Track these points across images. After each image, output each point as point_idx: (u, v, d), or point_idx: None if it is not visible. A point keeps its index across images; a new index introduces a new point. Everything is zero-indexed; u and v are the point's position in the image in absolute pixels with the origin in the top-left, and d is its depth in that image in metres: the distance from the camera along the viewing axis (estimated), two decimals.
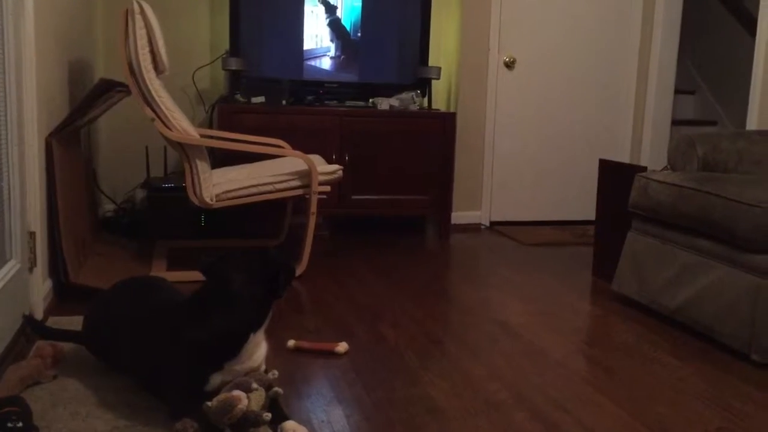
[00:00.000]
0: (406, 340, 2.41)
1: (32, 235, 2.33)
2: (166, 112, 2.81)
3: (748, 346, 2.30)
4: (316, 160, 3.24)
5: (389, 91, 4.13)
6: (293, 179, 3.06)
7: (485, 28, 4.39)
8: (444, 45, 4.48)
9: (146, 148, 3.89)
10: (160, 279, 2.10)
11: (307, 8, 4.03)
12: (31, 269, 2.33)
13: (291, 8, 4.01)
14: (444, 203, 4.10)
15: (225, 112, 3.71)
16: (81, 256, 2.83)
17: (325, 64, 4.12)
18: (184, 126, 2.86)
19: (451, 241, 4.08)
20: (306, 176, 3.07)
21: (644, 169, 2.98)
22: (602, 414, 1.90)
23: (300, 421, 1.71)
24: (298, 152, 3.12)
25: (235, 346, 1.71)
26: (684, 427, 1.84)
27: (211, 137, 3.33)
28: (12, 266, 2.14)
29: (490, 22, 4.39)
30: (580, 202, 4.68)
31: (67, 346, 2.05)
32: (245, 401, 1.62)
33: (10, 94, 2.13)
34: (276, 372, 1.79)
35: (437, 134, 4.01)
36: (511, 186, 4.62)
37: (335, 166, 3.21)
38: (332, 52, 4.12)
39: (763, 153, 2.93)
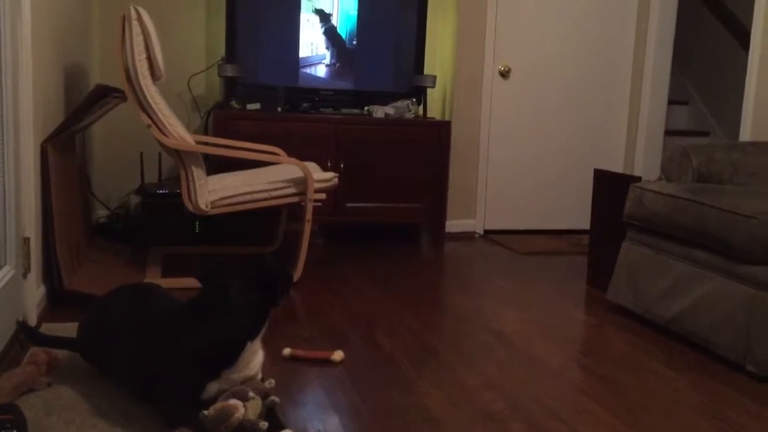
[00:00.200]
0: (401, 348, 2.41)
1: (27, 240, 2.32)
2: (162, 118, 2.81)
3: (744, 358, 2.31)
4: (312, 167, 3.24)
5: (385, 99, 4.14)
6: (289, 186, 3.06)
7: (480, 37, 4.41)
8: (439, 53, 4.50)
9: (141, 154, 3.88)
10: (156, 286, 2.09)
11: (303, 16, 4.04)
12: (25, 275, 2.32)
13: (287, 16, 4.02)
14: (438, 211, 4.10)
15: (220, 119, 3.71)
16: (75, 262, 2.82)
17: (321, 71, 4.12)
18: (180, 132, 2.85)
19: (445, 250, 4.08)
20: (301, 183, 3.06)
21: (639, 179, 2.99)
22: (598, 424, 1.90)
23: (296, 430, 1.70)
24: (293, 159, 3.12)
25: (232, 354, 1.70)
26: None
27: (207, 144, 3.33)
28: (6, 272, 2.13)
29: (485, 31, 4.41)
30: (575, 212, 4.70)
31: (61, 353, 2.03)
32: (242, 410, 1.61)
33: (7, 98, 2.12)
34: (273, 381, 1.79)
35: (432, 142, 4.02)
36: (506, 194, 4.63)
37: (331, 174, 3.20)
38: (327, 60, 4.12)
39: (757, 164, 2.95)
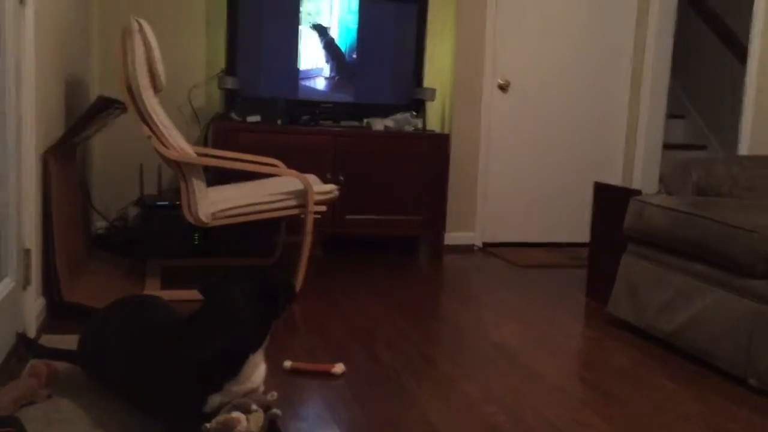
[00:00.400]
0: (402, 361, 2.40)
1: (27, 252, 2.31)
2: (163, 130, 2.81)
3: (745, 371, 2.30)
4: (312, 179, 3.24)
5: (384, 111, 4.15)
6: (289, 198, 3.06)
7: (480, 50, 4.43)
8: (439, 67, 4.51)
9: (140, 165, 3.87)
10: (157, 298, 2.08)
11: (303, 29, 4.05)
12: (25, 287, 2.31)
13: (287, 29, 4.03)
14: (437, 224, 4.11)
15: (220, 131, 3.71)
16: (74, 274, 2.81)
17: (320, 84, 4.14)
18: (180, 144, 2.85)
19: (444, 262, 4.08)
20: (301, 195, 3.06)
21: (639, 192, 3.00)
22: None
23: None
24: (293, 171, 3.12)
25: (234, 366, 1.69)
26: None
27: (207, 156, 3.33)
28: (6, 284, 2.12)
29: (484, 45, 4.43)
30: (573, 225, 4.71)
31: (61, 366, 2.02)
32: (244, 423, 1.60)
33: (10, 109, 2.12)
34: (275, 393, 1.78)
35: (431, 155, 4.03)
36: (504, 207, 4.63)
37: (331, 186, 3.21)
38: (327, 73, 4.14)
39: (756, 178, 2.96)
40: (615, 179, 4.78)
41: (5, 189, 2.12)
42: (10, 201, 2.16)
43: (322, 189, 3.14)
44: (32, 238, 2.34)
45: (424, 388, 2.17)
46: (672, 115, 5.55)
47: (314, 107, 4.08)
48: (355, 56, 4.15)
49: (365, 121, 4.14)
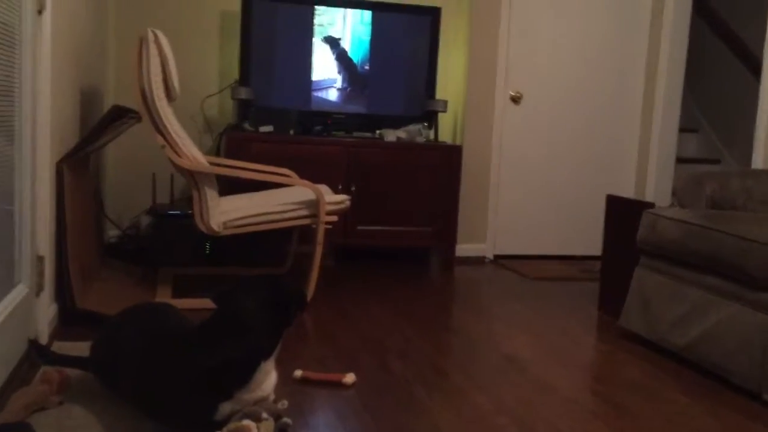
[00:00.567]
0: (412, 371, 2.39)
1: (41, 259, 2.32)
2: (177, 139, 2.83)
3: (759, 386, 2.28)
4: (323, 189, 3.25)
5: (396, 122, 4.16)
6: (301, 208, 3.07)
7: (492, 62, 4.44)
8: (451, 78, 4.52)
9: (153, 175, 3.90)
10: (169, 306, 2.08)
11: (316, 41, 4.08)
12: (38, 293, 2.32)
13: (300, 40, 4.06)
14: (449, 235, 4.10)
15: (233, 141, 3.73)
16: (87, 281, 2.82)
17: (333, 95, 4.15)
18: (193, 153, 2.87)
19: (455, 274, 4.07)
20: (313, 206, 3.07)
21: (652, 205, 2.99)
22: None
23: None
24: (305, 181, 3.13)
25: (245, 374, 1.69)
26: None
27: (220, 165, 3.34)
28: (20, 290, 2.13)
29: (497, 57, 4.44)
30: (585, 237, 4.69)
31: (73, 372, 2.03)
32: (255, 431, 1.60)
33: (25, 119, 2.14)
34: (285, 402, 1.78)
35: (443, 167, 4.03)
36: (516, 219, 4.62)
37: (343, 196, 3.21)
38: (339, 84, 4.15)
39: None
40: (627, 192, 4.76)
41: (20, 197, 2.14)
42: (25, 209, 2.17)
43: (333, 199, 3.15)
44: (46, 246, 2.36)
45: (435, 399, 2.16)
46: (685, 128, 5.53)
47: (326, 118, 4.10)
48: (367, 68, 4.17)
49: (377, 132, 4.15)
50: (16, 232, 2.11)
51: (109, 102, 3.84)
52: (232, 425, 1.62)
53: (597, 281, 3.45)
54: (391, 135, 4.05)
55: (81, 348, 2.12)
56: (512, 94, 4.52)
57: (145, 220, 3.94)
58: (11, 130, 2.04)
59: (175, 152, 2.82)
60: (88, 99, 3.25)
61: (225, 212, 2.97)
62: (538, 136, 4.62)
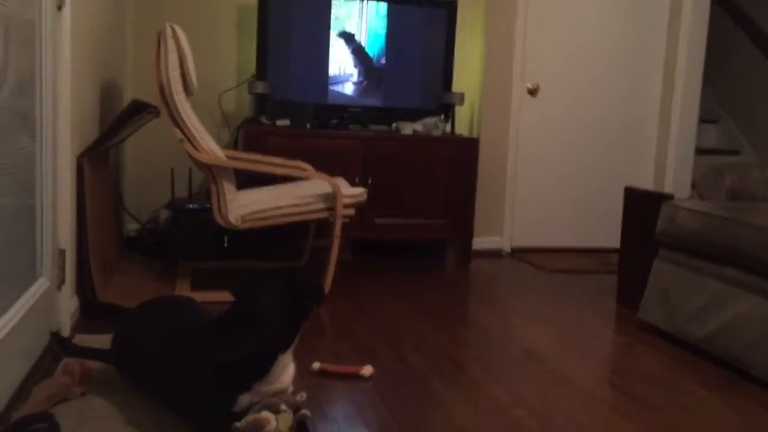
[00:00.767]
0: (429, 364, 2.40)
1: (62, 252, 2.35)
2: (195, 133, 2.84)
3: None
4: (340, 183, 3.26)
5: (413, 115, 4.16)
6: (318, 202, 3.08)
7: (509, 55, 4.42)
8: (467, 71, 4.51)
9: (172, 169, 3.92)
10: (189, 298, 2.10)
11: (333, 35, 4.08)
12: (59, 287, 2.35)
13: (316, 34, 4.06)
14: (466, 228, 4.10)
15: (250, 135, 3.75)
16: (107, 274, 2.85)
17: (349, 89, 4.16)
18: (211, 147, 2.89)
19: (472, 266, 4.07)
20: (330, 199, 3.08)
21: (671, 197, 2.96)
22: None
23: None
24: (323, 175, 3.14)
25: (263, 366, 1.71)
26: None
27: (238, 159, 3.36)
28: (42, 284, 2.16)
29: (513, 49, 4.42)
30: (603, 230, 4.66)
31: (94, 364, 2.05)
32: (274, 423, 1.62)
33: (46, 114, 2.17)
34: (304, 394, 1.79)
35: (460, 159, 4.02)
36: (533, 212, 4.61)
37: (360, 189, 3.22)
38: (356, 78, 4.16)
39: None
40: (646, 184, 4.73)
41: (41, 191, 2.17)
42: (46, 203, 2.20)
43: (350, 192, 3.16)
44: (67, 239, 2.39)
45: (452, 392, 2.17)
46: (704, 119, 5.47)
47: (343, 111, 4.11)
48: (383, 61, 4.17)
49: (394, 125, 4.15)
50: (37, 226, 2.14)
51: (128, 97, 3.87)
52: (250, 417, 1.63)
53: (615, 274, 3.43)
54: (407, 128, 4.05)
55: (102, 340, 2.15)
56: (529, 86, 4.50)
57: (164, 214, 3.97)
58: (33, 126, 2.06)
59: (194, 146, 2.84)
60: (107, 94, 3.28)
61: (243, 206, 2.99)
62: (556, 128, 4.59)
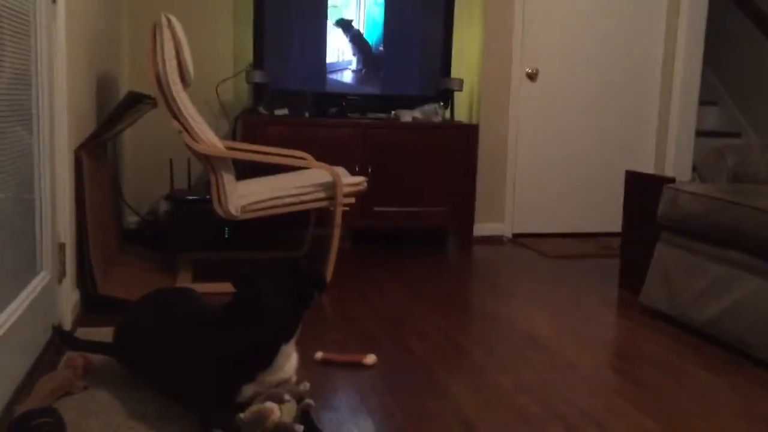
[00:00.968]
0: (433, 351, 2.39)
1: (62, 246, 2.35)
2: (193, 124, 2.83)
3: None
4: (340, 171, 3.24)
5: (412, 102, 4.14)
6: (318, 191, 3.07)
7: (508, 39, 4.39)
8: (466, 57, 4.49)
9: (170, 160, 3.91)
10: (191, 290, 2.10)
11: (330, 22, 4.05)
12: (60, 280, 2.35)
13: (314, 22, 4.04)
14: (466, 215, 4.09)
15: (249, 124, 3.73)
16: (108, 267, 2.85)
17: (348, 77, 4.13)
18: (210, 138, 2.87)
19: (473, 253, 4.06)
20: (330, 188, 3.07)
21: (673, 180, 2.95)
22: (636, 428, 1.87)
23: None
24: (322, 164, 3.12)
25: (267, 356, 1.71)
26: None
27: (237, 149, 3.35)
28: (42, 278, 2.16)
29: (512, 34, 4.39)
30: (604, 214, 4.66)
31: (97, 358, 2.05)
32: (277, 413, 1.61)
33: (43, 107, 2.15)
34: (308, 384, 1.79)
35: (460, 146, 4.01)
36: (534, 197, 4.60)
37: (360, 178, 3.21)
38: (354, 66, 4.13)
39: None
40: (647, 168, 4.72)
41: (40, 185, 2.16)
42: (45, 196, 2.19)
43: (350, 181, 3.15)
44: (67, 233, 2.38)
45: (456, 379, 2.16)
46: (705, 101, 5.45)
47: (342, 100, 4.09)
48: (381, 48, 4.14)
49: (393, 112, 4.13)
50: (36, 220, 2.13)
51: (124, 88, 3.85)
52: (254, 407, 1.63)
53: (617, 258, 3.43)
54: (406, 115, 4.03)
55: (104, 333, 2.15)
56: (528, 70, 4.48)
57: (164, 206, 3.96)
58: (29, 119, 2.05)
59: (192, 137, 2.83)
60: (104, 85, 3.26)
61: (242, 196, 2.98)
62: (556, 112, 4.57)
